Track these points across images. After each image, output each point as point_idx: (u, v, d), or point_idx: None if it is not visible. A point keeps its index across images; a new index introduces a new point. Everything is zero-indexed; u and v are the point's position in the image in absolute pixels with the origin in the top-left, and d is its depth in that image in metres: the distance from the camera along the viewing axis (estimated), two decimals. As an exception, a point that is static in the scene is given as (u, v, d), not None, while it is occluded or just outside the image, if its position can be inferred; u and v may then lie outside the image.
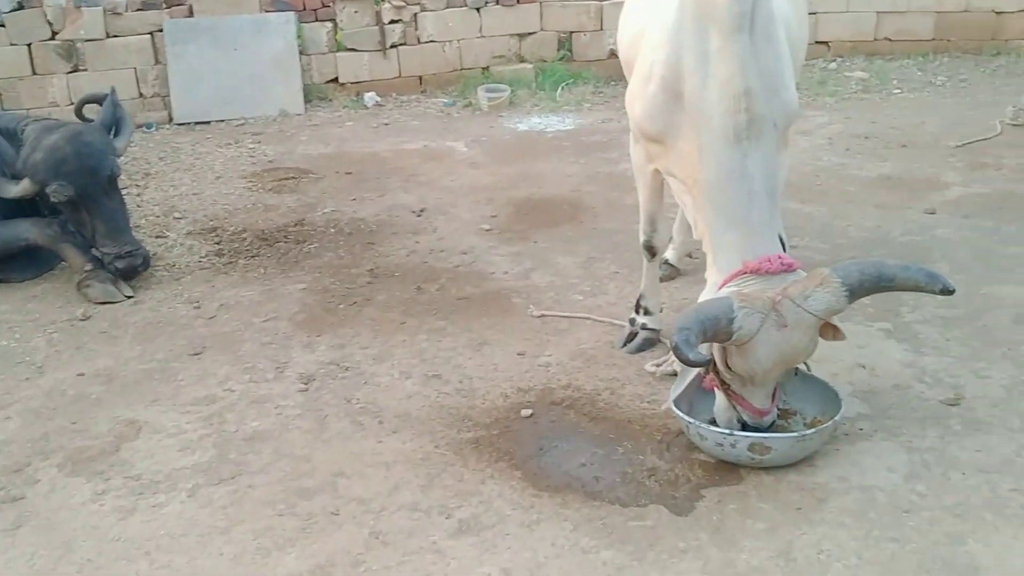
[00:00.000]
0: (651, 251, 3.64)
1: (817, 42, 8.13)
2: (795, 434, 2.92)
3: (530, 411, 3.31)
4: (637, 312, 3.78)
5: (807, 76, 7.66)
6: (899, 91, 7.35)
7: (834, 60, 8.07)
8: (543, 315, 4.04)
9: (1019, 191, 5.16)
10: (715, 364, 2.90)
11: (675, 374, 3.42)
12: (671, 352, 2.82)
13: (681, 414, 3.01)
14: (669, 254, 4.39)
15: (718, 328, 2.67)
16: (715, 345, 2.81)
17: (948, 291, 2.73)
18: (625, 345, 3.75)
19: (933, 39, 8.18)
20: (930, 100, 7.10)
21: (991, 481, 2.84)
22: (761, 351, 2.71)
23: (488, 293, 4.29)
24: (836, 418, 2.96)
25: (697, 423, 2.97)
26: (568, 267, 4.55)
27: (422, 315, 4.07)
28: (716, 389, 2.96)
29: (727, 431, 2.92)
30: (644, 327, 3.75)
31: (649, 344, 3.74)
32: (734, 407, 2.93)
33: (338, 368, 3.65)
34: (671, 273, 4.38)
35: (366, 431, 3.24)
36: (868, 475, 2.89)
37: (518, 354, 3.72)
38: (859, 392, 3.33)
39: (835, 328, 2.81)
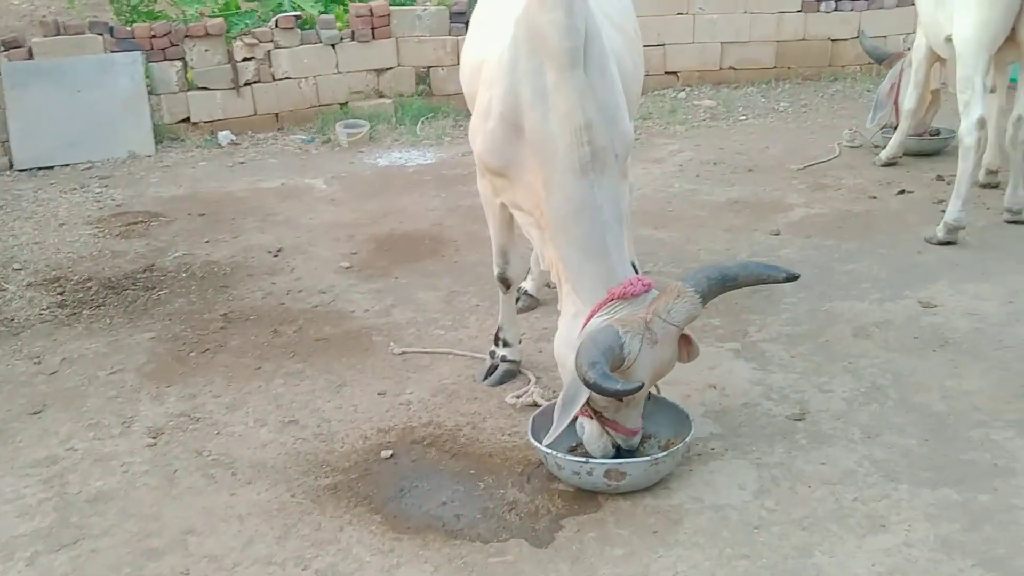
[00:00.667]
0: (505, 283, 3.66)
1: (666, 72, 8.43)
2: (648, 458, 2.97)
3: (390, 452, 3.27)
4: (496, 344, 3.80)
5: (659, 106, 7.93)
6: (745, 118, 7.67)
7: (683, 90, 8.36)
8: (404, 352, 4.01)
9: (856, 210, 5.44)
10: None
11: (535, 405, 3.45)
12: (574, 384, 2.82)
13: (539, 444, 3.03)
14: (528, 284, 4.43)
15: (614, 357, 2.72)
16: None
17: (792, 277, 2.89)
18: (486, 378, 3.75)
19: (775, 67, 8.58)
20: (774, 125, 7.43)
21: (835, 492, 2.95)
22: (640, 371, 2.79)
23: (348, 332, 4.23)
24: (687, 439, 3.03)
25: (555, 453, 2.99)
26: (430, 302, 4.53)
27: (278, 359, 3.97)
28: (586, 419, 2.98)
29: (583, 459, 2.95)
30: (504, 359, 3.76)
31: (510, 376, 3.75)
32: (607, 433, 2.97)
33: (189, 420, 3.52)
34: (530, 303, 4.42)
35: (218, 484, 3.13)
36: (721, 494, 2.97)
37: (378, 394, 3.68)
38: (710, 412, 3.42)
39: (689, 340, 2.93)
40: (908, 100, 6.00)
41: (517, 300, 4.24)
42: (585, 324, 2.88)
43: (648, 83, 8.04)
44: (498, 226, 3.52)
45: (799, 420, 3.34)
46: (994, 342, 3.83)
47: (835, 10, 8.52)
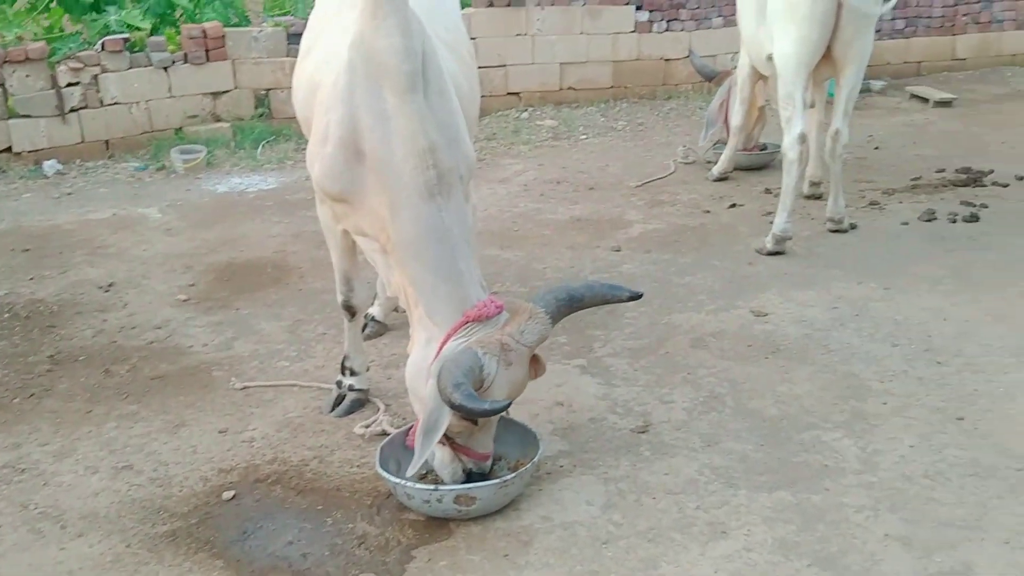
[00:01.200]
0: (351, 311, 3.60)
1: (508, 93, 8.53)
2: (498, 480, 2.97)
3: (232, 493, 3.15)
4: (343, 373, 3.73)
5: (502, 126, 8.01)
6: (585, 137, 7.85)
7: (526, 110, 8.48)
8: (246, 387, 3.88)
9: (692, 224, 5.64)
10: None
11: (384, 434, 3.41)
12: (445, 408, 2.77)
13: (387, 475, 2.99)
14: (375, 310, 4.38)
15: (475, 378, 2.71)
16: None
17: (635, 296, 2.98)
18: (333, 409, 3.68)
19: (612, 87, 8.81)
20: (613, 144, 7.63)
21: (679, 502, 3.03)
22: (496, 392, 2.79)
23: (186, 369, 4.06)
24: (535, 459, 3.06)
25: (403, 483, 2.95)
26: (273, 332, 4.41)
27: (111, 401, 3.78)
28: (436, 445, 2.95)
29: (432, 487, 2.93)
30: (351, 388, 3.70)
31: (358, 405, 3.69)
32: (459, 459, 2.96)
33: (13, 471, 3.30)
34: (378, 330, 4.37)
35: (46, 538, 2.94)
36: (569, 511, 3.00)
37: (219, 432, 3.55)
38: (558, 429, 3.46)
39: (538, 360, 2.96)
40: (735, 117, 6.28)
41: (364, 327, 4.19)
42: (440, 348, 2.86)
43: (491, 104, 8.16)
44: (340, 253, 3.46)
45: (643, 432, 3.43)
46: (820, 347, 4.04)
47: (667, 30, 8.84)
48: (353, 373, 3.72)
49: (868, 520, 2.91)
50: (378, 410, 3.62)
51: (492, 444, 3.02)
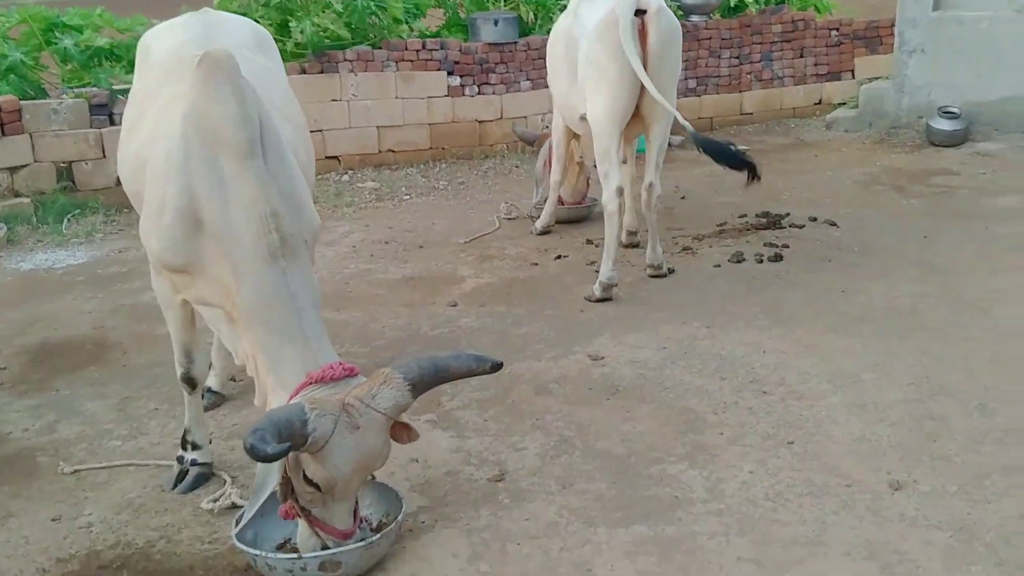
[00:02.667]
0: (191, 383, 3.48)
1: (328, 157, 8.52)
2: (363, 543, 2.92)
3: (74, 582, 2.95)
4: (185, 448, 3.58)
5: (324, 190, 7.97)
6: (409, 197, 7.93)
7: (346, 173, 8.48)
8: (77, 470, 3.65)
9: (522, 277, 5.79)
10: (293, 491, 2.84)
11: (234, 506, 3.28)
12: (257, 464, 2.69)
13: (245, 547, 2.88)
14: (212, 381, 4.23)
15: (293, 431, 2.61)
16: (291, 464, 2.75)
17: (497, 367, 2.93)
18: (176, 486, 3.51)
19: (430, 148, 8.97)
20: (437, 203, 7.75)
21: (543, 546, 3.08)
22: (338, 456, 2.69)
23: (7, 457, 3.78)
24: (399, 518, 3.03)
25: (264, 554, 2.86)
26: (100, 412, 4.18)
27: (-77, 498, 3.46)
28: (297, 518, 2.87)
29: (295, 555, 2.85)
30: (194, 463, 3.55)
31: (203, 479, 3.54)
32: (317, 533, 2.87)
33: None
34: (216, 400, 4.22)
35: None
36: (436, 566, 2.99)
37: (52, 520, 3.31)
38: (416, 485, 3.45)
39: (408, 428, 2.91)
40: (554, 173, 6.55)
41: (202, 398, 4.05)
42: None
43: (310, 168, 8.12)
44: (179, 325, 3.35)
45: (499, 480, 3.46)
46: (656, 385, 4.23)
47: (479, 94, 9.11)
48: (195, 447, 3.57)
49: (720, 545, 3.05)
50: (225, 483, 3.49)
51: (352, 522, 2.88)
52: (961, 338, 4.56)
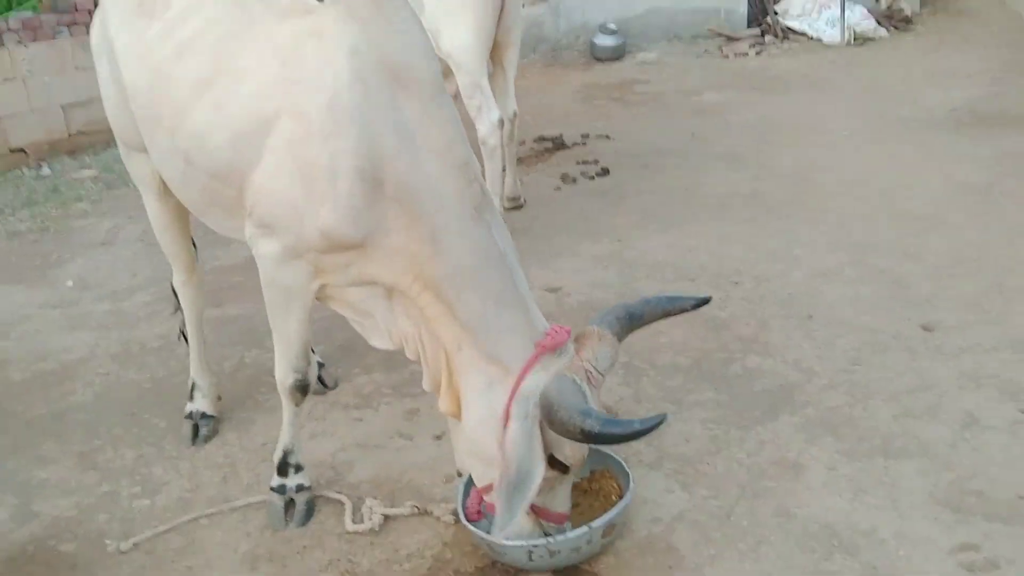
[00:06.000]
0: (304, 391, 2.89)
1: (11, 151, 7.09)
2: (622, 503, 2.71)
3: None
4: (285, 473, 3.01)
5: (30, 189, 6.66)
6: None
7: (40, 165, 7.15)
8: (135, 544, 2.90)
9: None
10: None
11: (386, 519, 2.89)
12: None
13: (525, 542, 2.56)
14: (204, 404, 3.52)
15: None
16: (540, 447, 2.42)
17: (700, 302, 2.75)
18: (288, 520, 2.96)
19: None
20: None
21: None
22: None
23: (14, 558, 2.86)
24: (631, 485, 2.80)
25: (549, 540, 2.56)
26: (83, 478, 3.30)
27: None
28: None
29: (583, 529, 2.58)
30: (301, 487, 3.01)
31: (313, 505, 3.02)
32: (538, 523, 2.60)
33: None
34: (215, 427, 3.53)
35: None
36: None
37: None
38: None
39: None
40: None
41: (195, 430, 3.47)
42: (516, 387, 2.45)
43: None
44: (304, 318, 2.74)
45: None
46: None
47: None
48: (299, 469, 3.02)
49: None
50: (343, 504, 3.00)
51: (569, 503, 2.66)
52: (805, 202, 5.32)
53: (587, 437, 2.34)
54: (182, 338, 3.67)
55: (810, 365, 3.67)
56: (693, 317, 3.22)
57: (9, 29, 7.02)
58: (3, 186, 6.82)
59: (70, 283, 5.09)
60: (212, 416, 3.52)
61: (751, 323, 4.03)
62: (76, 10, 7.45)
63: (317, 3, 2.59)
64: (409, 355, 2.73)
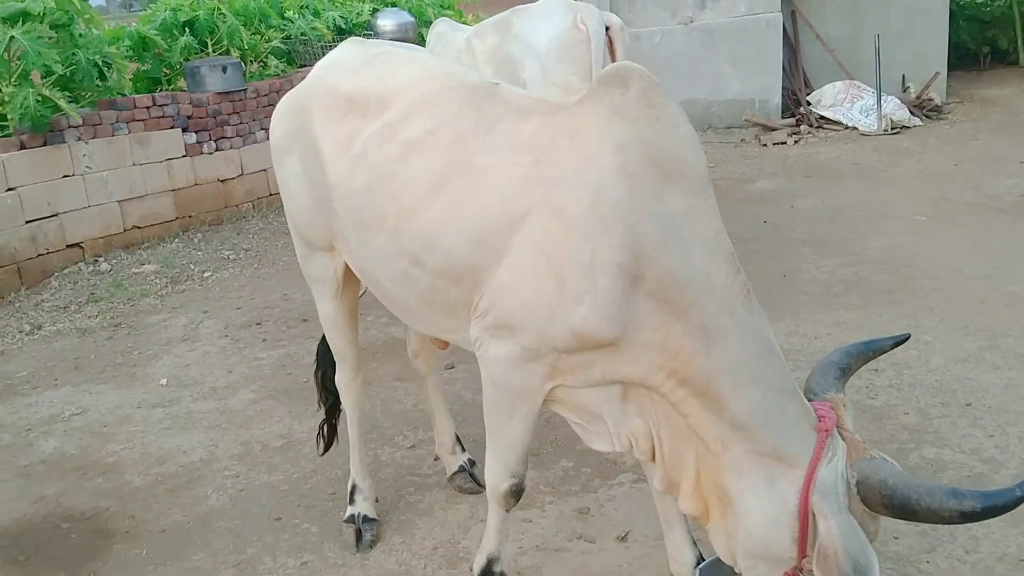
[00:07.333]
0: (520, 495, 2.71)
1: (68, 247, 6.94)
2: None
3: None
4: (490, 580, 2.80)
5: (91, 285, 6.49)
6: (209, 274, 6.77)
7: (96, 261, 6.98)
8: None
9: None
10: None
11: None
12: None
13: None
14: (366, 507, 3.32)
15: None
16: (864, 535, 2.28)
17: (900, 341, 2.66)
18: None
19: (177, 218, 7.75)
20: (251, 273, 6.75)
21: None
22: None
23: None
24: None
25: None
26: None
27: None
28: None
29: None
30: (500, 593, 2.79)
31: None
32: None
33: None
34: (379, 532, 3.31)
35: None
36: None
37: None
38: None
39: None
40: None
41: (359, 535, 3.27)
42: (810, 479, 2.29)
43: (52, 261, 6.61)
44: (532, 421, 2.58)
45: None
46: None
47: (217, 150, 8.07)
48: (503, 576, 2.81)
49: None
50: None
51: None
52: (911, 288, 5.23)
53: (967, 518, 2.13)
54: (321, 438, 3.49)
55: (991, 455, 3.52)
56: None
57: (70, 126, 6.92)
58: (62, 281, 6.64)
59: (164, 381, 4.89)
60: (374, 519, 3.33)
61: (910, 412, 3.89)
62: (135, 106, 7.40)
63: (559, 103, 2.51)
64: (638, 455, 2.57)
